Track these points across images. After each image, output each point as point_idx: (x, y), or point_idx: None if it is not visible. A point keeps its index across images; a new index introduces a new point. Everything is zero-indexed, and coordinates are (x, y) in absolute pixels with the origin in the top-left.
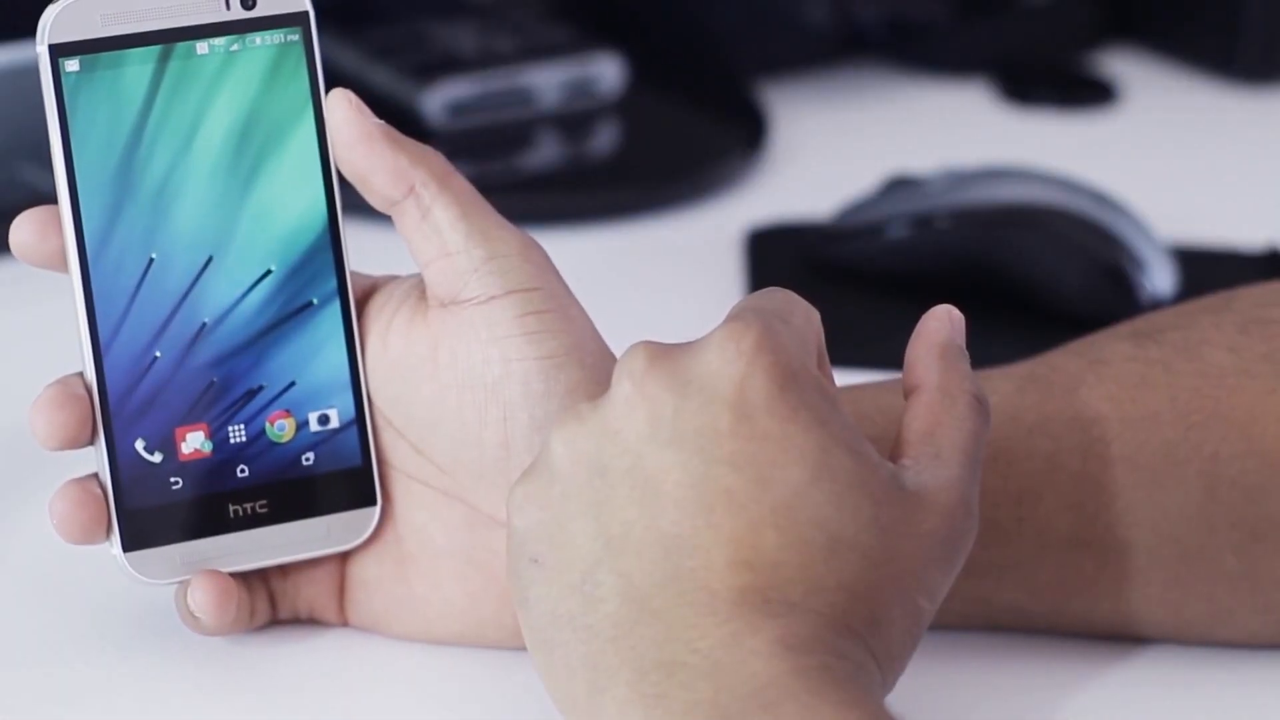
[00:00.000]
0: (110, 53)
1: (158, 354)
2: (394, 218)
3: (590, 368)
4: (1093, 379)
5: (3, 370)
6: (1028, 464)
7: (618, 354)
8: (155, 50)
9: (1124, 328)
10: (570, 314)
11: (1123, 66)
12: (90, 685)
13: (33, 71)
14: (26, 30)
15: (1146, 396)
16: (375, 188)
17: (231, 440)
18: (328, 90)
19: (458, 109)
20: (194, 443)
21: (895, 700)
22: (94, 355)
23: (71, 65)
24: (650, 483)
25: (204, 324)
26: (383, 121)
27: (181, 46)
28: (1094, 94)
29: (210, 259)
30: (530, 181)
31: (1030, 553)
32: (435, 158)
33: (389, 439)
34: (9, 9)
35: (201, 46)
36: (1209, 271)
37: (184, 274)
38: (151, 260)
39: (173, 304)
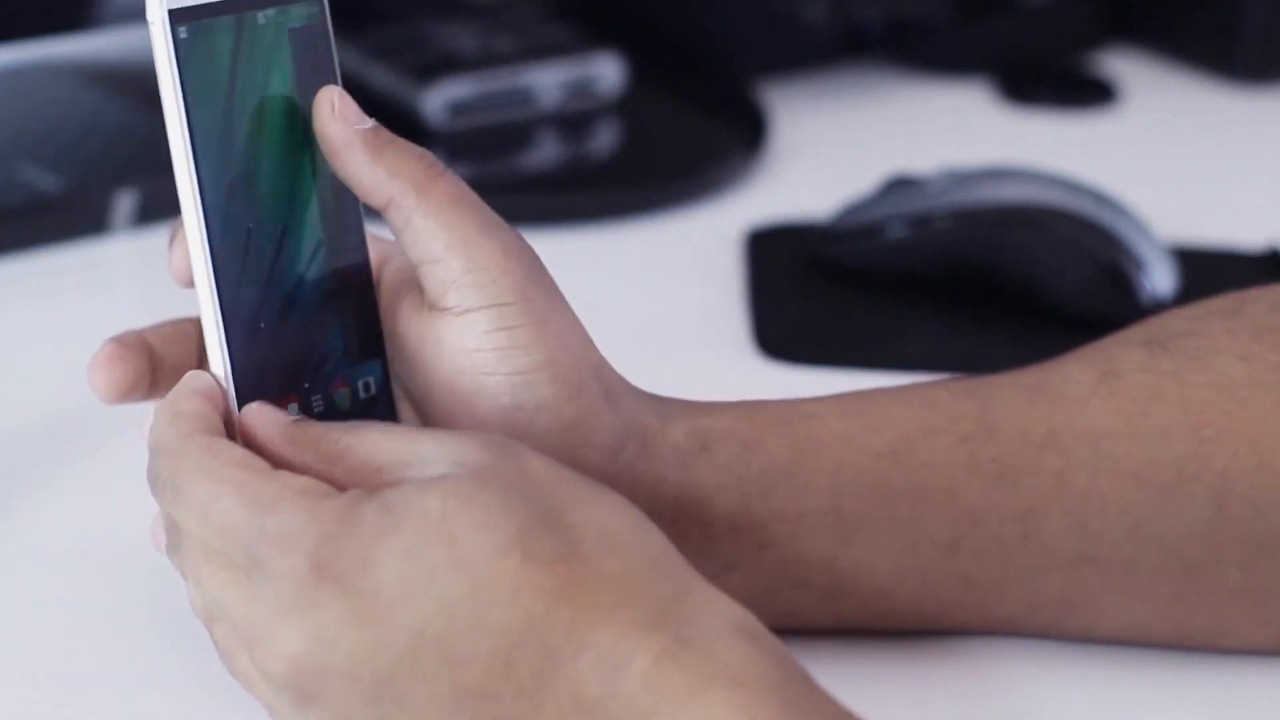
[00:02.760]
0: (205, 20)
1: (262, 325)
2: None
3: (560, 384)
4: (1105, 390)
5: (3, 370)
6: (1035, 480)
7: (615, 356)
8: (233, 20)
9: (1137, 333)
10: (546, 329)
11: (1123, 66)
12: (90, 686)
13: (33, 72)
14: (26, 31)
15: (1158, 410)
16: (359, 195)
17: (315, 412)
18: (342, 71)
19: (458, 109)
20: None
21: (896, 701)
22: (223, 333)
23: (182, 33)
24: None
25: (286, 295)
26: (372, 122)
27: (248, 16)
28: (1094, 94)
29: (285, 230)
30: (530, 181)
31: (1033, 569)
32: (416, 165)
33: (405, 412)
34: (9, 9)
35: (260, 17)
36: (1209, 271)
37: (269, 246)
38: (250, 231)
39: (265, 276)
